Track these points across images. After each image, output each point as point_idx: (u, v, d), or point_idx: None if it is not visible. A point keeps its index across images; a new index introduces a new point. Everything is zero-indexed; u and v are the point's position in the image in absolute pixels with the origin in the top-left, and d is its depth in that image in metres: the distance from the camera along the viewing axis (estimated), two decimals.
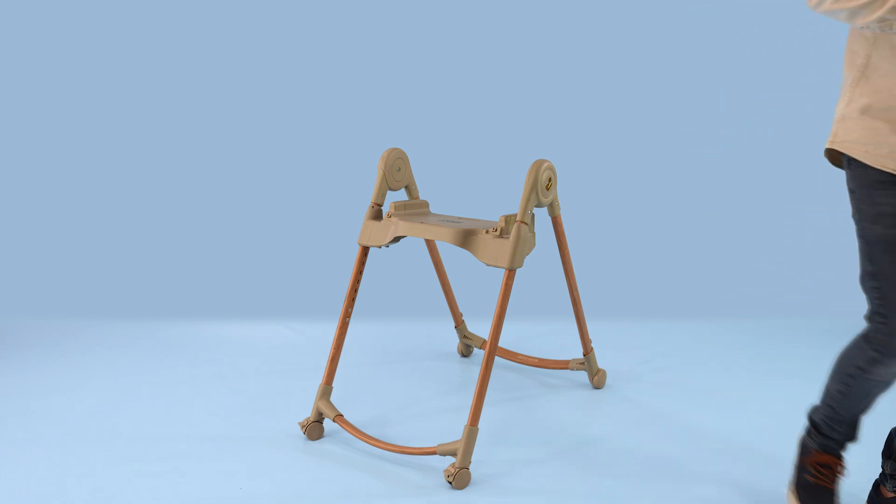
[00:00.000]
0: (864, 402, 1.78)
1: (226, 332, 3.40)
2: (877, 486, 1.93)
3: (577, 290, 2.72)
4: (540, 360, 2.95)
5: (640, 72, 3.76)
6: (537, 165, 2.24)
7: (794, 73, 3.75)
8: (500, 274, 2.23)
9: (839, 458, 1.88)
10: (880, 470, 1.93)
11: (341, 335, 2.43)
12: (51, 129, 3.78)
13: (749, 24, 3.76)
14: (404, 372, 3.00)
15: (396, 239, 2.37)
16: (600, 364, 2.94)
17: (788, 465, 2.26)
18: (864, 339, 1.72)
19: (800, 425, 2.54)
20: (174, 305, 3.60)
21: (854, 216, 1.71)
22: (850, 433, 1.85)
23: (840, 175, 3.82)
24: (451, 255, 3.11)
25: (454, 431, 2.36)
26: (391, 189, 2.52)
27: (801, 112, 3.77)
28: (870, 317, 1.71)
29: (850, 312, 3.59)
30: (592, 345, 2.83)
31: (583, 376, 2.95)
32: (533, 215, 2.22)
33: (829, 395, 1.83)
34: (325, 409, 2.38)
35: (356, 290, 2.45)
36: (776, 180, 3.81)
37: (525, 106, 3.85)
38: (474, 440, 2.13)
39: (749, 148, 3.80)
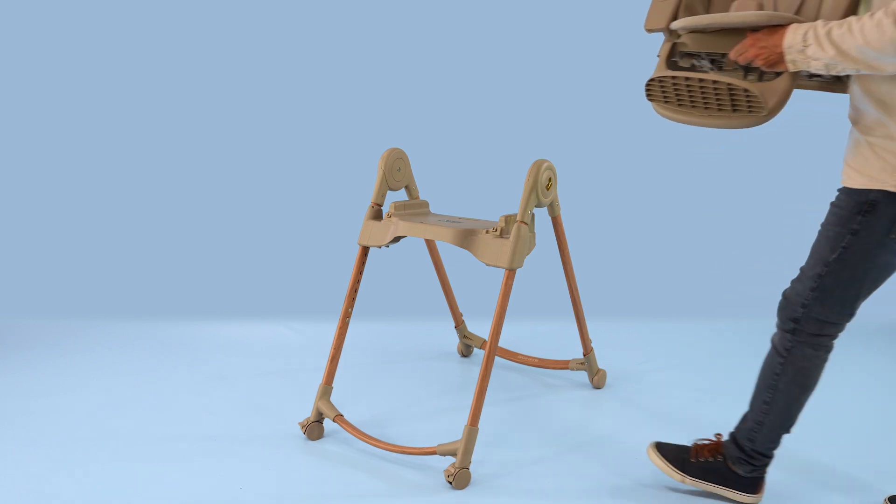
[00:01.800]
0: None
1: (226, 332, 3.40)
2: None
3: (577, 290, 2.72)
4: (540, 360, 2.95)
5: (640, 71, 3.75)
6: (537, 165, 2.24)
7: None
8: (500, 274, 2.23)
9: None
10: None
11: (341, 335, 2.44)
12: (51, 130, 3.77)
13: None
14: (404, 372, 3.00)
15: (396, 239, 2.37)
16: (600, 364, 2.94)
17: (788, 463, 2.26)
18: None
19: (799, 424, 2.54)
20: (174, 305, 3.60)
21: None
22: None
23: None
24: (451, 255, 3.11)
25: (454, 431, 2.36)
26: (391, 189, 2.52)
27: (800, 112, 3.77)
28: None
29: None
30: (592, 345, 2.83)
31: (583, 376, 2.95)
32: (533, 215, 2.22)
33: None
34: (325, 409, 2.38)
35: (356, 290, 2.45)
36: (776, 180, 3.81)
37: (525, 106, 3.85)
38: (474, 440, 2.13)
39: (749, 148, 3.80)
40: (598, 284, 3.34)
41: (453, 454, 2.12)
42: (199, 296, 3.64)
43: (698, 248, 3.72)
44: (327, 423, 2.45)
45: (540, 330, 3.43)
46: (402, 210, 2.45)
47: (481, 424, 2.19)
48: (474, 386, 2.21)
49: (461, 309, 3.14)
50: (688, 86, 1.81)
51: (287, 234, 3.81)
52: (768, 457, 1.98)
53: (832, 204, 1.83)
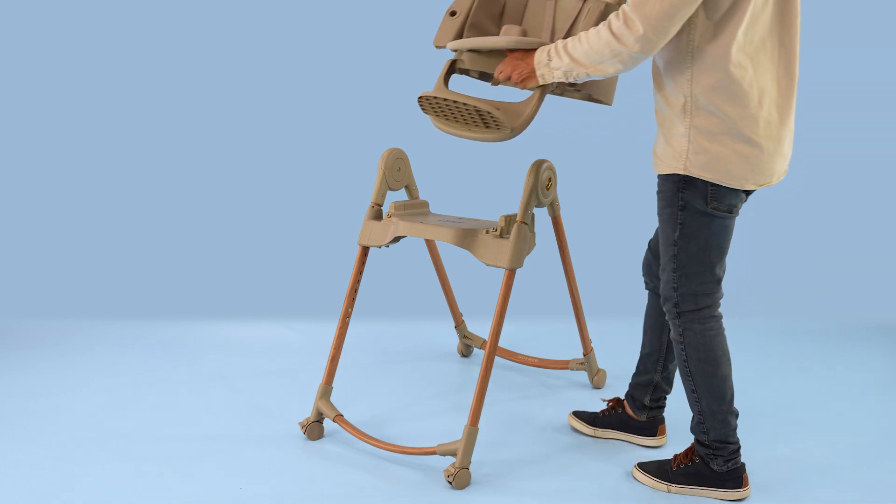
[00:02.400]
0: None
1: (226, 332, 3.40)
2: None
3: (577, 290, 2.72)
4: (540, 360, 2.95)
5: (638, 71, 3.75)
6: (537, 165, 2.24)
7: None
8: (500, 274, 2.23)
9: None
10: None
11: (341, 335, 2.44)
12: (51, 129, 3.77)
13: None
14: (404, 372, 3.00)
15: (396, 239, 2.37)
16: (600, 364, 2.94)
17: (788, 463, 2.26)
18: None
19: (799, 423, 2.54)
20: (174, 305, 3.59)
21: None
22: None
23: (845, 176, 3.80)
24: (451, 255, 3.11)
25: (454, 431, 2.36)
26: (391, 189, 2.52)
27: (800, 109, 3.77)
28: None
29: (851, 312, 3.59)
30: (592, 345, 2.83)
31: (583, 376, 2.95)
32: (533, 215, 2.22)
33: None
34: (325, 409, 2.38)
35: (356, 290, 2.45)
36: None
37: None
38: (474, 440, 2.13)
39: None
40: (598, 284, 3.34)
41: (453, 454, 2.12)
42: (199, 296, 3.64)
43: None
44: (327, 423, 2.45)
45: (540, 330, 3.43)
46: (402, 210, 2.45)
47: (481, 424, 2.19)
48: (474, 386, 2.21)
49: (461, 309, 3.14)
50: (447, 105, 2.06)
51: (287, 234, 3.80)
52: (731, 443, 2.07)
53: (657, 192, 2.06)
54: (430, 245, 2.94)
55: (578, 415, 2.49)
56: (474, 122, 2.07)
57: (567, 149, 3.56)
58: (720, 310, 2.06)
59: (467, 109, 2.03)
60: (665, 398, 2.35)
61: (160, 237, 3.78)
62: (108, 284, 3.67)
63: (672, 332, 2.07)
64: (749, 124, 1.89)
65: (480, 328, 3.23)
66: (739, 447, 2.09)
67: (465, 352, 3.19)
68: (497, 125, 2.04)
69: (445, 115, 2.13)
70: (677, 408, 2.64)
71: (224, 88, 3.83)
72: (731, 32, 1.84)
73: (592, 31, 1.88)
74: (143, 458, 2.25)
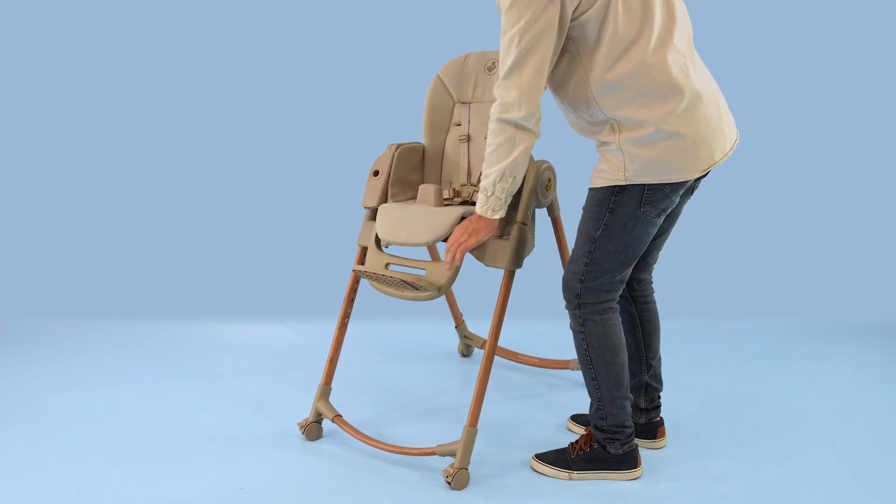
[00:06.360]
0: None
1: (226, 332, 3.40)
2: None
3: None
4: (540, 359, 2.95)
5: None
6: (536, 166, 2.24)
7: (796, 70, 3.75)
8: (500, 274, 2.23)
9: None
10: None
11: (341, 335, 2.44)
12: (51, 130, 3.78)
13: (738, 20, 3.76)
14: (404, 372, 3.01)
15: None
16: None
17: (790, 462, 2.26)
18: None
19: (801, 423, 2.54)
20: (174, 305, 3.60)
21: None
22: None
23: (844, 175, 3.79)
24: None
25: (454, 431, 2.37)
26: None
27: (801, 109, 3.77)
28: None
29: (850, 312, 3.59)
30: None
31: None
32: (533, 216, 2.22)
33: None
34: (323, 410, 2.38)
35: (356, 291, 2.45)
36: (774, 178, 3.81)
37: None
38: (473, 441, 2.13)
39: (745, 145, 3.80)
40: None
41: (452, 455, 2.12)
42: (199, 296, 3.64)
43: (697, 248, 3.71)
44: (326, 424, 2.45)
45: (540, 330, 3.43)
46: None
47: (481, 424, 2.19)
48: (474, 386, 2.22)
49: (461, 309, 3.14)
50: (381, 275, 2.25)
51: (287, 234, 3.81)
52: (627, 426, 2.15)
53: (590, 190, 2.09)
54: (430, 245, 2.94)
55: (577, 419, 2.50)
56: (406, 285, 2.22)
57: (567, 149, 3.56)
58: (616, 303, 2.13)
59: (395, 280, 2.21)
60: (659, 397, 2.36)
61: (160, 237, 3.78)
62: (109, 284, 3.68)
63: (571, 323, 2.14)
64: (670, 120, 1.94)
65: (480, 328, 3.23)
66: (634, 430, 2.18)
67: (466, 352, 3.19)
68: (426, 289, 2.19)
69: (379, 280, 2.28)
70: (671, 408, 2.64)
71: (224, 89, 3.83)
72: (610, 52, 1.92)
73: (488, 136, 1.99)
74: (143, 458, 2.25)
